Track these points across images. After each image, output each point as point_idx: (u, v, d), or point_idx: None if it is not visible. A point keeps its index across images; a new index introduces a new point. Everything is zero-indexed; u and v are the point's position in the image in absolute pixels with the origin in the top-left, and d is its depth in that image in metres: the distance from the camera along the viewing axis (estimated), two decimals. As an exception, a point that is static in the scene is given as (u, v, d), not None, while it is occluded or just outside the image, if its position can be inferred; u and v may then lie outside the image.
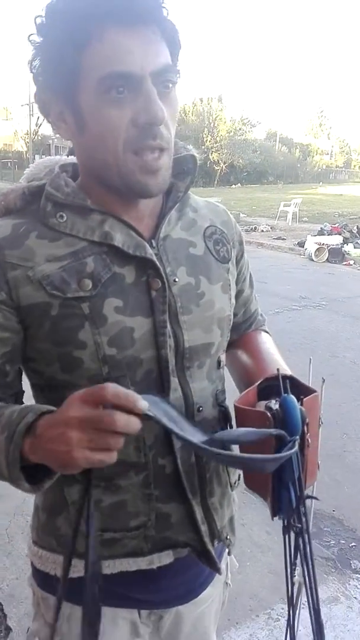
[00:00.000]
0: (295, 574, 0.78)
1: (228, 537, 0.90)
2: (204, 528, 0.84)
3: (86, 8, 0.67)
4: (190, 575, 0.90)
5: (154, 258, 0.77)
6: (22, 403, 0.84)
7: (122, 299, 0.75)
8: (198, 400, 0.82)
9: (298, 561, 0.77)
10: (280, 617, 1.94)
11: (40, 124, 32.74)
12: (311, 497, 0.76)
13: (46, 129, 34.17)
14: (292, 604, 0.81)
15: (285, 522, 0.76)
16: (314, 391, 0.78)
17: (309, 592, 0.75)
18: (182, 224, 0.84)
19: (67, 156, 0.87)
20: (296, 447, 0.69)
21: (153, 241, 0.79)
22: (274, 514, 0.77)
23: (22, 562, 2.14)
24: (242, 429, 0.72)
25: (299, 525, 0.75)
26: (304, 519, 0.74)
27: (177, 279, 0.79)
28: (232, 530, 0.92)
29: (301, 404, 0.73)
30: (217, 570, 0.88)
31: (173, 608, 0.91)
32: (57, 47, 0.69)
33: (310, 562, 0.75)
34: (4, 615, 1.88)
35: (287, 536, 0.77)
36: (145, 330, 0.76)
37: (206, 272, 0.83)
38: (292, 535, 0.76)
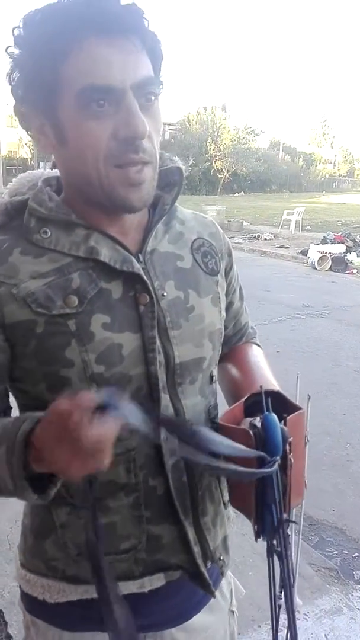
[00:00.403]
0: (281, 596, 0.77)
1: (221, 557, 0.88)
2: (196, 549, 0.82)
3: (64, 20, 0.65)
4: (182, 597, 0.87)
5: (142, 272, 0.75)
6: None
7: (110, 315, 0.73)
8: (190, 417, 0.80)
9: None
10: (282, 628, 1.91)
11: (45, 132, 32.77)
12: (290, 521, 0.75)
13: (51, 137, 34.22)
14: (276, 629, 0.80)
15: (268, 543, 0.75)
16: (300, 408, 0.76)
17: (289, 618, 0.75)
18: (169, 237, 0.83)
19: (51, 169, 0.85)
20: (275, 467, 0.67)
21: (140, 255, 0.77)
22: (257, 535, 0.75)
23: (23, 569, 2.13)
24: (226, 441, 0.70)
25: (279, 549, 0.73)
26: (283, 543, 0.73)
27: (165, 293, 0.78)
28: (225, 551, 0.90)
29: (284, 423, 0.71)
30: (211, 593, 0.85)
31: (166, 631, 0.88)
32: (35, 59, 0.67)
33: (289, 588, 0.73)
34: (5, 623, 1.87)
35: (270, 559, 0.75)
36: (134, 347, 0.74)
37: (195, 286, 0.82)
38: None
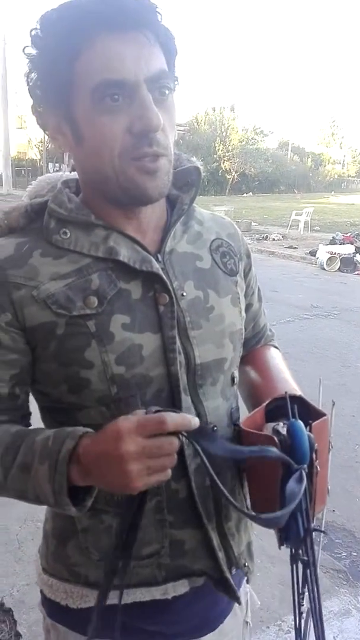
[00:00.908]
0: (304, 603, 0.76)
1: (246, 564, 0.87)
2: (220, 555, 0.81)
3: (77, 17, 0.66)
4: (206, 605, 0.86)
5: (161, 272, 0.75)
6: (30, 425, 0.82)
7: (130, 315, 0.73)
8: (212, 419, 0.79)
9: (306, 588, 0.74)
10: (290, 629, 1.91)
11: (54, 133, 32.91)
12: (318, 530, 0.73)
13: (60, 138, 34.36)
14: (299, 635, 0.78)
15: (293, 551, 0.74)
16: (324, 414, 0.75)
17: (316, 626, 0.73)
18: (188, 237, 0.82)
19: (70, 172, 0.85)
20: (303, 486, 0.66)
21: (159, 255, 0.77)
22: (281, 543, 0.74)
23: (32, 568, 2.13)
24: (248, 448, 0.70)
25: (305, 558, 0.72)
26: (310, 552, 0.72)
27: (184, 293, 0.77)
28: (250, 557, 0.88)
29: (309, 429, 0.70)
30: (237, 599, 0.84)
31: None
32: (50, 58, 0.68)
33: (316, 597, 0.72)
34: (14, 622, 1.88)
35: (294, 566, 0.74)
36: (155, 347, 0.74)
37: (214, 286, 0.81)
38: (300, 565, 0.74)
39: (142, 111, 0.67)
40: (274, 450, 0.67)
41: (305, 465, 0.68)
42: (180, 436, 0.62)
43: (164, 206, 0.81)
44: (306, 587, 0.74)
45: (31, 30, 0.69)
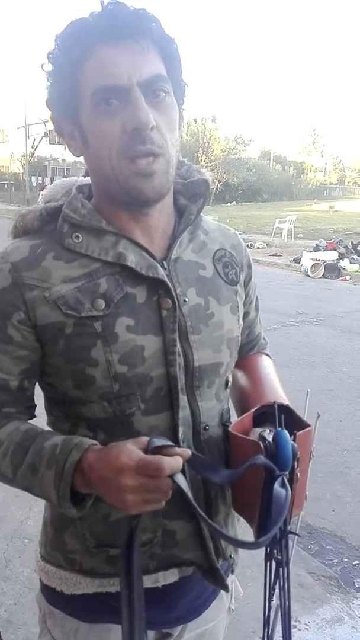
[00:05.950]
0: (274, 599, 0.79)
1: (232, 556, 0.91)
2: (210, 546, 0.85)
3: (79, 31, 0.73)
4: (194, 594, 0.90)
5: (165, 278, 0.78)
6: (35, 416, 0.87)
7: (134, 318, 0.77)
8: (205, 419, 0.83)
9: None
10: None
11: (36, 146, 33.07)
12: (293, 533, 0.77)
13: (42, 151, 34.54)
14: (268, 625, 0.83)
15: (268, 550, 0.77)
16: (308, 425, 0.79)
17: (284, 623, 0.76)
18: (193, 246, 0.86)
19: (85, 177, 0.89)
20: (289, 492, 0.69)
21: (164, 262, 0.81)
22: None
23: (20, 586, 2.10)
24: (231, 472, 0.75)
25: (279, 558, 0.76)
26: (284, 552, 0.75)
27: (187, 299, 0.81)
28: (235, 550, 0.92)
29: (294, 439, 0.74)
30: (225, 587, 0.88)
31: (178, 627, 0.91)
32: (59, 70, 0.75)
33: (286, 595, 0.76)
34: (2, 642, 1.84)
35: (268, 564, 0.77)
36: (156, 349, 0.78)
37: (215, 294, 0.85)
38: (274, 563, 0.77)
39: (133, 111, 0.71)
40: (261, 457, 0.71)
41: (287, 472, 0.71)
42: (182, 471, 0.67)
43: (172, 214, 0.84)
44: (277, 584, 0.78)
45: (49, 51, 0.75)
